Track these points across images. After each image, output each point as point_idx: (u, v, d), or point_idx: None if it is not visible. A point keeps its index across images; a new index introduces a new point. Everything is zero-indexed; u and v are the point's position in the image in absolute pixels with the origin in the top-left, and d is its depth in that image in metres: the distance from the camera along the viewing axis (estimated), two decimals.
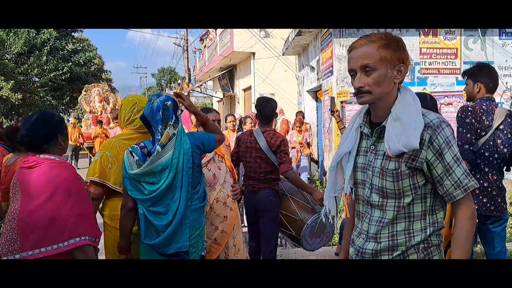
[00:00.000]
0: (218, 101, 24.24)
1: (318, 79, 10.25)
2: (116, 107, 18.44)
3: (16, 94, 19.70)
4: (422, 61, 8.77)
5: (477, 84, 3.34)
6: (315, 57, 10.47)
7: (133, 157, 2.64)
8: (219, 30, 18.82)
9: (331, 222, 4.10)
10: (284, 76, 15.30)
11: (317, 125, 11.28)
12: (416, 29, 8.71)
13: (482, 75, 3.36)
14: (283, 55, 13.19)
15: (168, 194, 2.63)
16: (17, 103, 20.57)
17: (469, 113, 3.21)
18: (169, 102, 2.69)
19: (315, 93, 11.19)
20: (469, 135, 3.18)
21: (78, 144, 15.16)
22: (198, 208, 2.75)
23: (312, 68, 10.62)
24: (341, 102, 8.61)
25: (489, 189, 3.27)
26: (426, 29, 8.74)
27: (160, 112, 2.64)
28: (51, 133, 2.39)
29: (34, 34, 22.09)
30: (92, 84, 19.83)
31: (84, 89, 19.13)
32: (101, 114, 18.74)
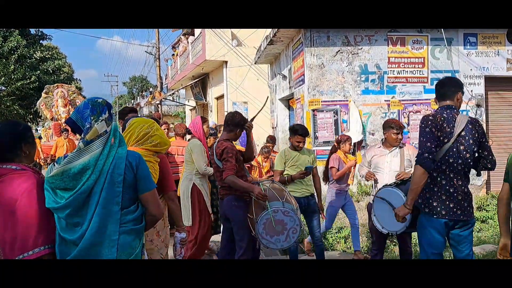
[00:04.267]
0: (191, 110, 24.15)
1: (290, 88, 10.35)
2: None
3: None
4: (390, 70, 8.97)
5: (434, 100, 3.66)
6: (287, 66, 10.58)
7: (55, 166, 2.33)
8: (191, 38, 18.79)
9: (293, 217, 4.17)
10: (256, 84, 15.38)
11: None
12: (385, 39, 8.92)
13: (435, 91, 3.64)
14: (255, 63, 13.28)
15: (88, 200, 2.28)
16: None
17: (429, 122, 3.37)
18: (101, 100, 2.42)
19: (287, 102, 11.29)
20: (429, 143, 3.31)
21: (38, 161, 12.54)
22: (131, 231, 2.37)
23: (284, 76, 10.73)
24: (313, 110, 8.71)
25: (455, 194, 3.38)
26: (394, 39, 8.95)
27: (89, 109, 2.35)
28: (16, 143, 2.38)
29: (1, 42, 21.56)
30: (55, 85, 15.93)
31: (44, 91, 15.42)
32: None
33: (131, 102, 46.93)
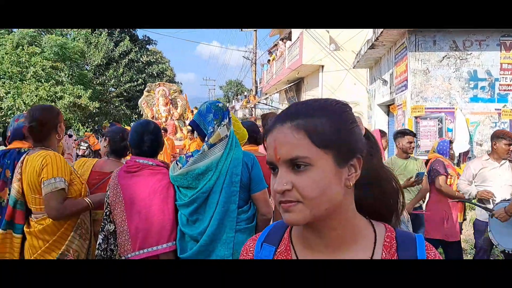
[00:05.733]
0: None
1: (391, 93, 10.06)
2: (187, 113, 14.43)
3: (93, 103, 20.86)
4: (502, 77, 8.37)
5: None
6: (388, 71, 10.29)
7: (177, 165, 2.49)
8: (288, 43, 18.96)
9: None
10: (353, 89, 15.13)
11: (387, 140, 11.04)
12: (497, 44, 8.35)
13: None
14: (353, 68, 13.06)
15: (208, 199, 2.41)
16: (94, 111, 21.77)
17: None
18: (221, 104, 2.56)
19: (387, 107, 10.98)
20: None
21: None
22: (245, 229, 2.48)
23: (385, 81, 10.44)
24: (415, 117, 8.39)
25: None
26: (508, 44, 8.35)
27: (212, 113, 2.48)
28: (160, 142, 2.66)
29: (112, 47, 23.40)
30: (157, 83, 15.42)
31: (146, 89, 14.95)
32: (166, 120, 14.39)
33: (226, 105, 48.38)
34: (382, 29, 8.73)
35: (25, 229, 2.60)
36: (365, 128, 1.11)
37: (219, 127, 2.45)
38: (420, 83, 8.44)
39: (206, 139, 2.46)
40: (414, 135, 4.98)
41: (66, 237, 2.56)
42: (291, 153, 0.94)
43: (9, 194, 2.73)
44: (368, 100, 12.50)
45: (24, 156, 2.66)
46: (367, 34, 12.16)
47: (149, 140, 2.58)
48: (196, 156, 2.42)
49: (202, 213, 2.41)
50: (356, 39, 13.67)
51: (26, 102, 18.23)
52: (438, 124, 8.34)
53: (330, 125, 0.96)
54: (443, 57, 8.45)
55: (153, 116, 14.46)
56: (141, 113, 14.72)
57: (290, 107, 1.01)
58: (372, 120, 11.79)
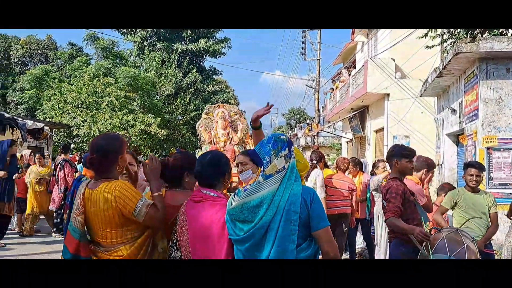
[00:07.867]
0: (347, 142, 24.05)
1: (460, 123, 9.69)
2: (247, 138, 13.00)
3: (162, 131, 21.73)
4: None
5: None
6: (457, 99, 9.95)
7: (235, 198, 2.40)
8: (352, 71, 18.87)
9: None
10: (420, 118, 14.71)
11: (457, 172, 10.59)
12: None
13: None
14: (420, 96, 12.74)
15: (265, 236, 2.29)
16: (162, 138, 22.65)
17: None
18: (283, 136, 2.48)
19: (457, 137, 10.57)
20: None
21: None
22: None
23: (454, 110, 10.09)
24: (487, 148, 8.01)
25: None
26: None
27: (271, 143, 2.41)
28: (220, 172, 2.63)
29: (181, 77, 24.46)
30: (216, 104, 13.88)
31: (204, 111, 13.36)
32: (224, 145, 12.70)
33: (288, 133, 48.68)
34: (450, 58, 8.50)
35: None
36: None
37: (276, 158, 2.36)
38: (492, 113, 8.09)
39: (262, 169, 2.39)
40: (480, 168, 4.62)
41: None
42: None
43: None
44: (436, 130, 12.10)
45: (84, 187, 2.64)
46: (434, 62, 11.88)
47: (211, 172, 2.59)
48: (251, 187, 2.35)
49: (260, 251, 2.30)
50: (422, 67, 13.37)
51: (101, 130, 19.32)
52: None
53: None
54: None
55: (211, 140, 13.04)
56: (199, 137, 13.42)
57: None
58: (441, 150, 11.37)
